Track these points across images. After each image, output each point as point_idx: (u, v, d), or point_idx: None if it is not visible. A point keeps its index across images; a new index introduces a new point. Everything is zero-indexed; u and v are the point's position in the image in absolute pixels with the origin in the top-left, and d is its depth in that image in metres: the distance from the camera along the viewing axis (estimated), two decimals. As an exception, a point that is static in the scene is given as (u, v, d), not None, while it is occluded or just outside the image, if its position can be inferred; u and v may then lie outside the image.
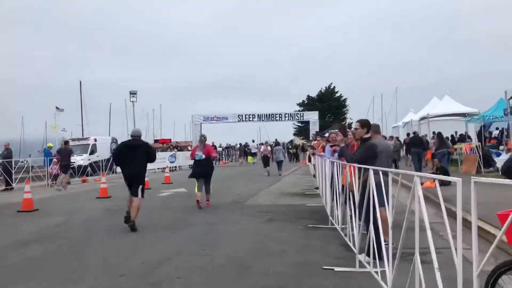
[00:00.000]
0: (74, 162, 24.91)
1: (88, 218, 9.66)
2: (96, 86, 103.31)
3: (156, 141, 39.13)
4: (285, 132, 65.75)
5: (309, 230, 7.63)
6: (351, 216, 5.72)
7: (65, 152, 17.39)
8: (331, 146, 8.94)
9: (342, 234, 6.45)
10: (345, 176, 6.18)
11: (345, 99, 57.65)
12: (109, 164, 25.42)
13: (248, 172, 24.30)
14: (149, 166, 24.26)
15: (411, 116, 29.41)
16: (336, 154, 8.83)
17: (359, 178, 5.23)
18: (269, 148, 25.89)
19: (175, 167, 30.31)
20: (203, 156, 10.79)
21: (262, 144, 33.03)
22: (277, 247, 6.43)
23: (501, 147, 19.88)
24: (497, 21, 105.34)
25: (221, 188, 14.06)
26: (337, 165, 7.05)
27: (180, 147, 37.73)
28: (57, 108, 44.08)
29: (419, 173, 3.21)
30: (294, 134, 60.29)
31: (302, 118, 42.80)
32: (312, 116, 40.42)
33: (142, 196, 8.29)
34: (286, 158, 36.04)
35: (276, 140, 33.91)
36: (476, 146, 17.40)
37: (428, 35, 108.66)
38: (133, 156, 8.27)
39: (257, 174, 22.47)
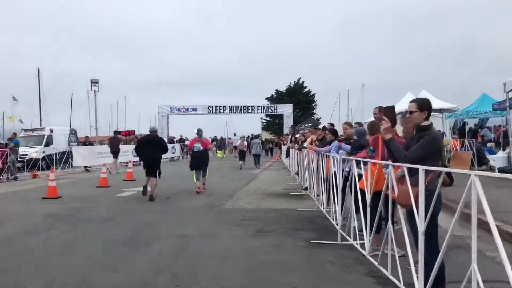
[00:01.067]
0: (26, 155, 22.27)
1: (24, 228, 7.52)
2: (58, 77, 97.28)
3: (118, 132, 35.14)
4: (253, 126, 63.82)
5: (315, 248, 5.85)
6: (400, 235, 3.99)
7: (115, 140, 21.83)
8: (340, 141, 7.23)
9: (375, 263, 4.56)
10: (379, 181, 4.45)
11: (313, 94, 56.44)
12: (65, 157, 22.79)
13: (221, 167, 22.36)
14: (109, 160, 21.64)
15: (383, 112, 28.43)
16: (341, 151, 7.19)
17: (412, 185, 3.51)
18: (245, 143, 25.51)
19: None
20: (201, 148, 11.89)
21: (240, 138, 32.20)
22: (281, 278, 4.62)
23: (489, 144, 18.92)
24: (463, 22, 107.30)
25: (192, 187, 12.10)
26: (358, 164, 5.31)
27: (145, 140, 35.13)
28: (13, 98, 42.87)
29: (476, 172, 2.54)
30: (263, 129, 58.58)
31: (276, 111, 40.67)
32: (286, 109, 38.68)
33: (159, 177, 10.83)
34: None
35: (252, 134, 32.51)
36: (469, 142, 16.22)
37: (396, 34, 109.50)
38: (149, 147, 10.78)
39: (230, 170, 20.76)
